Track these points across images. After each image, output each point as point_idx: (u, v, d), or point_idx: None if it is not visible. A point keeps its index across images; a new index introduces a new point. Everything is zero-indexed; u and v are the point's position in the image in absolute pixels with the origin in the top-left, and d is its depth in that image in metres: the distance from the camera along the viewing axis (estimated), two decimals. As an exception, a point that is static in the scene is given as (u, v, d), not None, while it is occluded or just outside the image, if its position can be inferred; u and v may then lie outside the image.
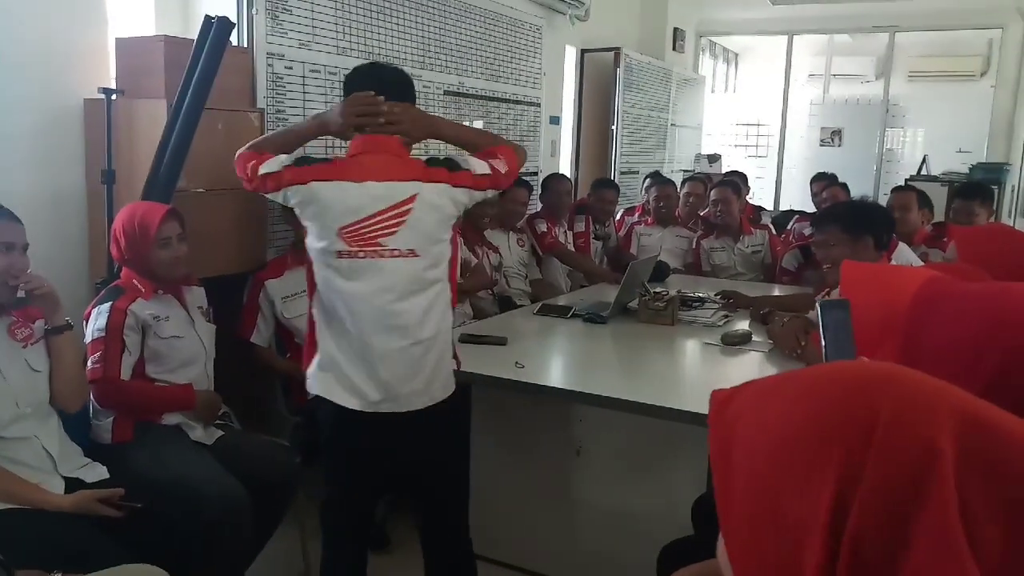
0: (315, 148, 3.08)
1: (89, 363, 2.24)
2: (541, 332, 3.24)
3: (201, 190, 2.77)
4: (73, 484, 2.03)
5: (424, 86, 4.00)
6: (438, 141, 2.27)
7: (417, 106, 2.08)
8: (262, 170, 1.98)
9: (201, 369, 2.44)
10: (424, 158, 2.05)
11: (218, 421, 2.47)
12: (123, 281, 2.36)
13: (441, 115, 4.12)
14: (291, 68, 3.24)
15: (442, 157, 2.05)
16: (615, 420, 2.55)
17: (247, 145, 2.12)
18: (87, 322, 2.31)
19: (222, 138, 2.84)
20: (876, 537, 0.53)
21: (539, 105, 5.09)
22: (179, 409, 2.36)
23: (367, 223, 1.90)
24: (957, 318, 0.93)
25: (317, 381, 1.99)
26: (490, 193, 2.09)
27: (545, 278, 4.42)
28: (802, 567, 0.56)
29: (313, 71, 3.34)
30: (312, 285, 2.01)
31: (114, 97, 2.64)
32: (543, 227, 4.39)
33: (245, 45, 3.05)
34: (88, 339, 2.28)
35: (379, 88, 2.01)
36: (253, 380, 2.96)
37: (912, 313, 0.97)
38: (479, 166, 2.03)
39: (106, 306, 2.27)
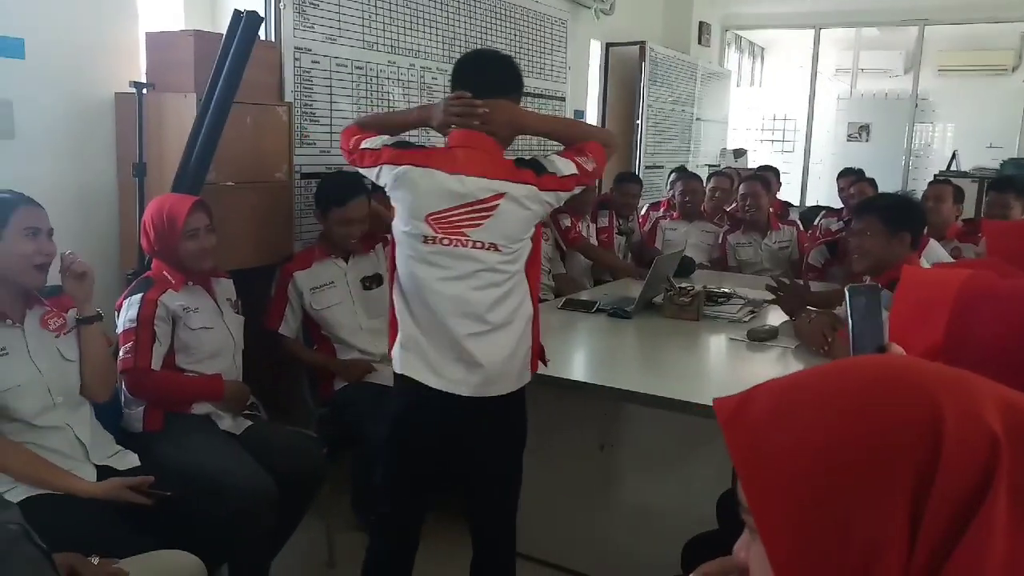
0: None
1: (120, 353, 2.27)
2: (565, 327, 3.23)
3: (230, 183, 2.79)
4: (104, 472, 2.07)
5: (449, 79, 3.99)
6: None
7: (510, 101, 2.07)
8: (364, 144, 2.07)
9: (230, 360, 2.47)
10: (513, 159, 2.07)
11: (246, 411, 2.50)
12: (154, 272, 2.39)
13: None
14: (318, 62, 3.25)
15: (528, 158, 2.07)
16: (639, 415, 2.55)
17: (354, 120, 2.25)
18: (118, 313, 2.34)
19: (251, 132, 2.87)
20: (948, 538, 0.53)
21: (564, 99, 5.08)
22: (208, 399, 2.39)
23: (455, 212, 1.95)
24: (1000, 316, 0.92)
25: (399, 360, 2.02)
26: (578, 190, 2.09)
27: (568, 273, 4.42)
28: None
29: (340, 65, 3.36)
30: (392, 267, 2.06)
31: (144, 91, 2.67)
32: (567, 222, 4.38)
33: (273, 39, 3.08)
34: (119, 329, 2.31)
35: (476, 82, 2.04)
36: (280, 372, 2.99)
37: (955, 309, 0.96)
38: (565, 166, 2.03)
39: (137, 297, 2.30)
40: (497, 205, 1.95)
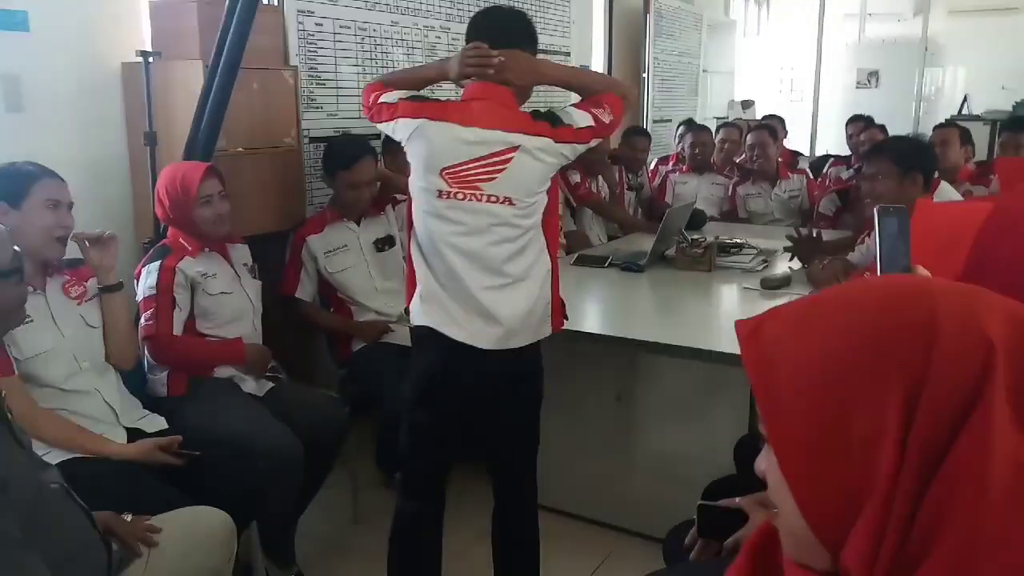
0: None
1: (142, 320, 2.31)
2: (579, 282, 3.25)
3: (240, 149, 2.80)
4: (134, 434, 2.11)
5: (453, 38, 3.97)
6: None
7: (525, 52, 2.05)
8: (382, 99, 2.06)
9: (250, 324, 2.50)
10: (530, 110, 2.05)
11: (268, 374, 2.53)
12: (170, 240, 2.41)
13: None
14: (321, 25, 3.24)
15: (545, 111, 2.05)
16: (655, 365, 2.58)
17: (376, 77, 2.25)
18: (137, 281, 2.37)
19: (258, 97, 2.87)
20: (938, 433, 0.56)
21: (569, 55, 5.03)
22: (230, 362, 2.42)
23: (469, 166, 1.94)
24: (1019, 246, 0.93)
25: (420, 312, 2.02)
26: (594, 143, 2.06)
27: (579, 229, 4.42)
28: (872, 479, 0.58)
29: (344, 27, 3.34)
30: (410, 223, 2.06)
31: (151, 60, 2.67)
32: (576, 178, 4.36)
33: (276, 3, 3.06)
34: (140, 297, 2.34)
35: (489, 33, 2.03)
36: (298, 335, 3.03)
37: (985, 230, 0.97)
38: (581, 118, 2.01)
39: (155, 264, 2.33)
40: (511, 158, 1.93)
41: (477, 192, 1.94)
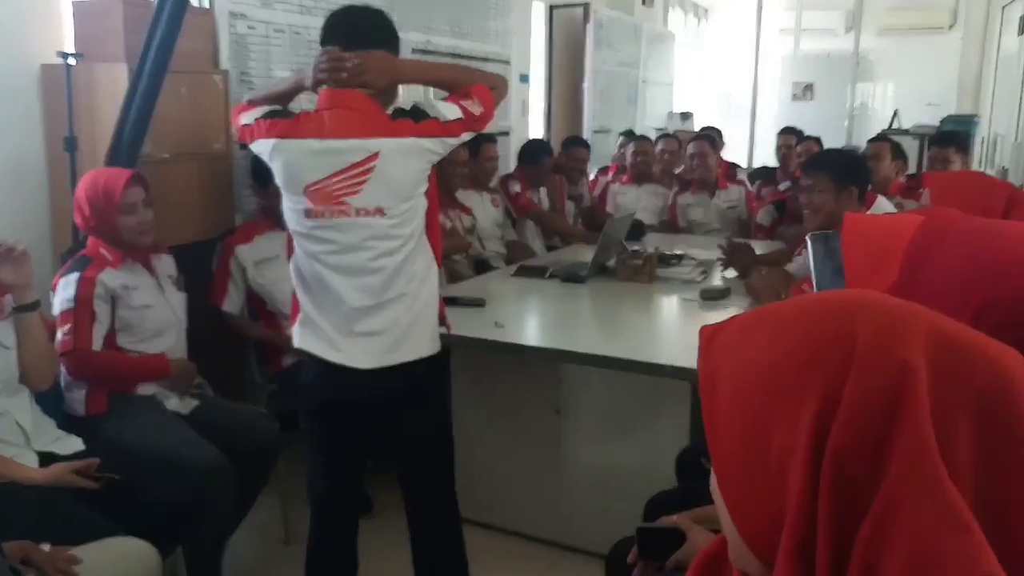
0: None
1: (59, 335, 2.19)
2: (519, 293, 3.22)
3: (166, 156, 2.70)
4: (47, 458, 2.00)
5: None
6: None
7: (384, 52, 1.94)
8: (241, 120, 1.97)
9: (174, 338, 2.40)
10: (390, 111, 1.97)
11: (193, 391, 2.43)
12: (90, 250, 2.30)
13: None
14: (254, 28, 3.15)
15: (407, 108, 1.96)
16: (596, 377, 2.55)
17: (245, 97, 2.12)
18: (54, 292, 2.25)
19: (186, 102, 2.77)
20: (857, 454, 0.56)
21: (508, 63, 5.02)
22: (154, 379, 2.32)
23: (330, 181, 1.85)
24: (949, 258, 0.95)
25: (299, 336, 1.97)
26: (466, 137, 1.97)
27: (520, 239, 4.39)
28: (787, 490, 0.58)
29: (277, 31, 3.26)
30: (289, 246, 1.98)
31: (72, 61, 2.55)
32: (516, 188, 4.35)
33: (206, 5, 2.96)
34: (56, 310, 2.22)
35: (345, 35, 1.92)
36: (226, 349, 2.92)
37: (916, 242, 0.98)
38: (449, 110, 1.92)
39: (74, 276, 2.22)
40: (373, 167, 1.84)
41: (345, 207, 1.85)
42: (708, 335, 0.68)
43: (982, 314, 0.87)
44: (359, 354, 1.90)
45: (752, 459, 0.61)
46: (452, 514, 2.15)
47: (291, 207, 1.91)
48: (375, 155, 1.84)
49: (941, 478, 0.53)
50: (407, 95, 2.48)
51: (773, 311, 0.66)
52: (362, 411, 1.98)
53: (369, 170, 1.84)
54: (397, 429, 2.07)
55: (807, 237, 1.18)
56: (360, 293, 1.89)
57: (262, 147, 1.92)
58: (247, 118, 1.96)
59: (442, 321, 2.08)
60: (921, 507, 0.53)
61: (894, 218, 1.29)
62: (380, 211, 1.86)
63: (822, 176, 2.74)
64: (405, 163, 1.88)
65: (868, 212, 2.84)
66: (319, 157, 1.85)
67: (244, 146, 2.11)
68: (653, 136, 5.86)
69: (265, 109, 1.97)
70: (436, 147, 1.92)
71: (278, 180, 1.93)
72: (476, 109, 1.94)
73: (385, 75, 1.92)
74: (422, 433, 2.09)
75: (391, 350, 1.91)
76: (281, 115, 1.95)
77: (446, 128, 1.91)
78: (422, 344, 1.97)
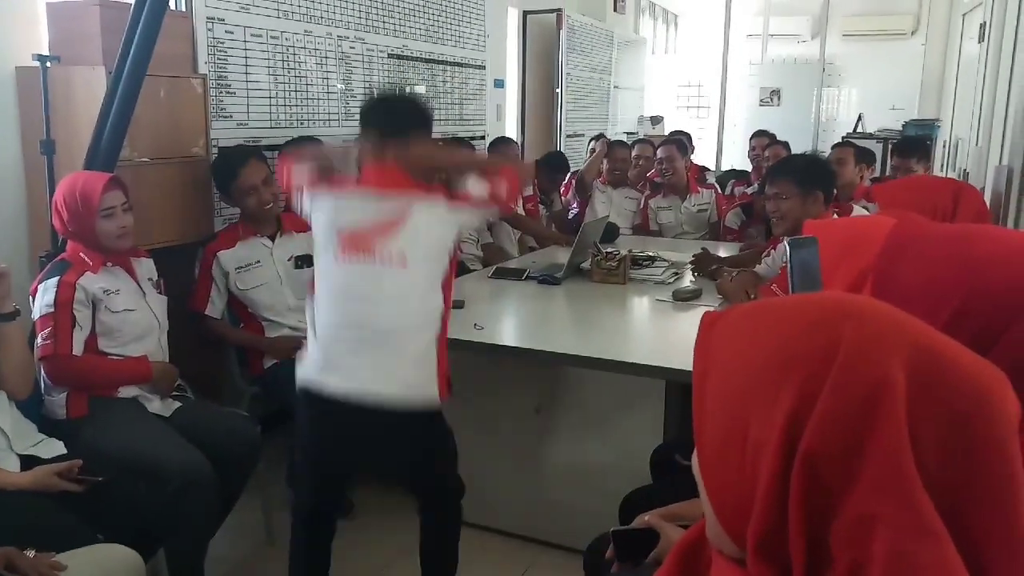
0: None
1: (38, 340, 2.19)
2: (496, 295, 3.26)
3: (145, 159, 2.70)
4: (29, 462, 2.00)
5: (368, 49, 3.94)
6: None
7: (420, 139, 2.08)
8: (291, 174, 2.10)
9: (155, 341, 2.40)
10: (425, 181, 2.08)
11: (175, 393, 2.44)
12: (69, 254, 2.29)
13: (385, 79, 4.08)
14: (232, 32, 3.16)
15: (441, 179, 2.09)
16: (573, 377, 2.60)
17: (290, 149, 2.29)
18: (33, 298, 2.25)
19: (164, 106, 2.78)
20: (829, 457, 0.58)
21: (484, 68, 5.06)
22: (135, 382, 2.32)
23: (364, 229, 1.95)
24: (924, 260, 0.97)
25: (302, 364, 2.02)
26: (490, 215, 2.10)
27: (495, 242, 4.44)
28: (758, 482, 0.60)
29: (255, 35, 3.27)
30: (311, 285, 2.06)
31: (49, 64, 2.54)
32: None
33: (184, 9, 2.97)
34: (36, 315, 2.22)
35: (385, 122, 2.06)
36: (207, 352, 2.93)
37: (885, 253, 1.01)
38: (478, 187, 2.04)
39: (53, 281, 2.21)
40: (406, 220, 1.95)
41: (371, 253, 1.94)
42: (709, 321, 0.70)
43: (960, 315, 0.89)
44: (352, 386, 1.92)
45: (730, 446, 0.63)
46: (455, 520, 2.21)
47: (321, 252, 2.01)
48: (409, 211, 1.96)
49: (915, 490, 0.55)
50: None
51: (774, 305, 0.68)
52: (355, 446, 2.04)
53: (401, 223, 1.95)
54: (391, 460, 2.15)
55: (786, 241, 1.21)
56: (369, 329, 1.94)
57: (306, 200, 2.05)
58: (297, 177, 2.08)
59: (444, 385, 2.02)
60: (897, 516, 0.55)
61: (867, 222, 1.34)
62: (403, 261, 1.94)
63: (787, 182, 2.81)
64: (433, 225, 1.99)
65: (830, 214, 2.92)
66: (358, 206, 1.98)
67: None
68: (625, 140, 5.95)
69: (314, 166, 2.08)
70: (463, 218, 2.05)
71: (314, 229, 2.04)
72: (502, 189, 2.06)
73: (423, 166, 2.09)
74: (418, 460, 2.13)
75: (381, 390, 1.92)
76: (329, 173, 2.08)
77: (473, 202, 2.04)
78: (412, 392, 1.96)
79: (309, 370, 1.99)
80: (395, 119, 2.07)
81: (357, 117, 3.74)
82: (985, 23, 5.23)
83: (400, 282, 1.95)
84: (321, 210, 2.02)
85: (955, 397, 0.58)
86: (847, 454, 0.57)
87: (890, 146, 6.83)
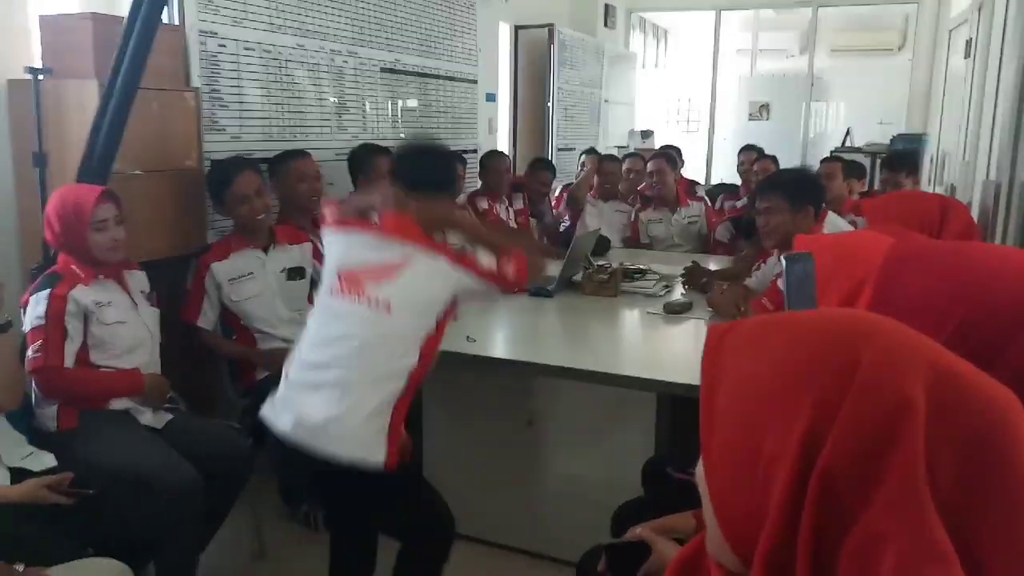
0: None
1: (29, 352, 2.18)
2: (488, 308, 3.26)
3: (138, 172, 2.70)
4: (18, 475, 1.99)
5: (360, 63, 3.96)
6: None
7: (443, 197, 2.12)
8: (327, 215, 2.10)
9: (147, 354, 2.39)
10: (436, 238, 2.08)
11: (167, 405, 2.43)
12: (61, 267, 2.29)
13: (378, 93, 4.10)
14: (224, 46, 3.17)
15: (454, 243, 2.08)
16: (565, 389, 2.60)
17: (336, 199, 2.35)
18: (24, 310, 2.24)
19: (157, 119, 2.78)
20: (847, 475, 0.58)
21: (475, 82, 5.09)
22: (127, 394, 2.31)
23: (363, 269, 1.94)
24: (925, 277, 0.98)
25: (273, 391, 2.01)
26: (492, 290, 2.01)
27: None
28: (770, 497, 0.60)
29: (247, 49, 3.28)
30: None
31: (41, 77, 2.55)
32: (484, 205, 4.41)
33: (176, 23, 2.98)
34: (27, 327, 2.21)
35: (412, 179, 2.06)
36: (198, 365, 2.92)
37: (884, 269, 1.02)
38: (485, 259, 2.02)
39: (44, 293, 2.21)
40: (403, 268, 1.92)
41: (362, 293, 1.91)
42: (719, 333, 0.69)
43: (963, 331, 0.90)
44: (296, 423, 1.88)
45: (742, 458, 0.63)
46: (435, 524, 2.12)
47: (322, 289, 2.01)
48: (409, 259, 1.92)
49: (927, 512, 0.56)
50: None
51: (787, 320, 0.68)
52: (309, 480, 2.02)
53: (397, 270, 1.92)
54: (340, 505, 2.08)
55: (782, 257, 1.22)
56: (328, 369, 1.89)
57: (327, 235, 2.06)
58: (328, 214, 2.09)
59: (394, 452, 1.90)
60: (906, 539, 0.55)
61: (857, 238, 1.36)
62: (388, 308, 1.89)
63: (776, 197, 2.82)
64: (430, 278, 1.93)
65: (824, 229, 2.95)
66: (363, 248, 1.97)
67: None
68: (616, 154, 5.98)
69: (347, 208, 2.09)
70: (462, 278, 1.96)
71: (324, 266, 2.05)
72: (509, 269, 2.02)
73: (442, 226, 2.10)
74: (362, 511, 2.06)
75: (321, 434, 1.86)
76: (349, 215, 2.08)
77: (478, 269, 1.98)
78: (352, 447, 1.86)
79: (268, 402, 1.97)
80: (423, 175, 2.08)
81: (349, 131, 3.82)
82: (971, 39, 5.29)
83: (378, 328, 1.89)
84: (332, 247, 2.03)
85: (972, 419, 0.58)
86: (864, 473, 0.57)
87: (878, 160, 6.91)
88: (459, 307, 2.01)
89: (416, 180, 2.05)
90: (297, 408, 1.89)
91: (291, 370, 1.97)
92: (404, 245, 1.93)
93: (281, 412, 1.92)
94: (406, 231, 1.96)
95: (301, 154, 3.21)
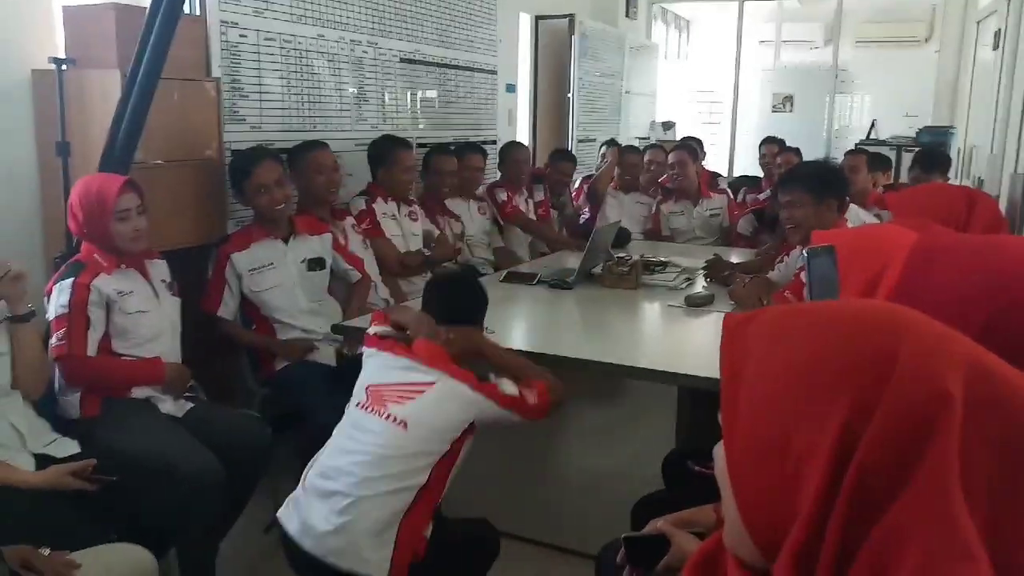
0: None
1: (53, 340, 2.20)
2: (508, 299, 3.25)
3: (159, 162, 2.72)
4: (43, 461, 2.01)
5: (380, 53, 3.96)
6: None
7: (473, 326, 2.19)
8: (369, 331, 2.15)
9: (168, 343, 2.41)
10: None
11: (187, 394, 2.45)
12: (84, 256, 2.31)
13: (398, 84, 4.09)
14: (245, 36, 3.18)
15: (478, 371, 2.08)
16: (584, 382, 2.59)
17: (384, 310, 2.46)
18: (48, 298, 2.26)
19: (178, 109, 2.79)
20: (881, 469, 0.57)
21: (495, 73, 5.07)
22: (148, 383, 2.33)
23: (389, 387, 1.98)
24: (952, 270, 0.97)
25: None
26: (514, 417, 2.02)
27: (507, 246, 4.44)
28: (800, 491, 0.59)
29: (268, 39, 3.29)
30: None
31: (64, 67, 2.56)
32: (503, 196, 4.40)
33: (198, 13, 2.99)
34: (51, 316, 2.23)
35: (443, 309, 2.14)
36: (217, 354, 2.94)
37: (910, 262, 1.00)
38: (508, 387, 2.03)
39: (68, 282, 2.23)
40: (426, 391, 1.94)
41: (384, 410, 1.94)
42: (737, 323, 0.68)
43: (991, 326, 0.88)
44: (306, 529, 1.88)
45: (768, 452, 0.61)
46: None
47: (353, 402, 2.03)
48: (433, 383, 1.96)
49: (955, 507, 0.55)
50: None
51: (810, 309, 0.67)
52: None
53: (420, 393, 1.95)
54: None
55: (805, 251, 1.20)
56: (336, 478, 1.89)
57: (367, 351, 2.11)
58: (374, 329, 2.15)
59: (407, 566, 1.88)
60: (930, 534, 0.55)
61: (878, 232, 1.33)
62: (404, 424, 1.91)
63: (800, 190, 2.79)
64: (449, 402, 1.95)
65: (844, 222, 2.91)
66: (393, 367, 2.01)
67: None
68: (637, 145, 5.94)
69: (385, 329, 2.12)
70: (482, 405, 1.97)
71: (358, 381, 2.06)
72: (531, 398, 2.04)
73: (470, 353, 2.13)
74: None
75: (328, 543, 1.85)
76: (388, 335, 2.12)
77: (500, 398, 2.00)
78: (357, 559, 1.85)
79: (285, 503, 1.98)
80: (455, 309, 2.16)
81: (368, 121, 3.82)
82: (1000, 30, 5.20)
83: (392, 443, 1.89)
84: (369, 362, 2.08)
85: (1009, 417, 0.58)
86: (899, 467, 0.56)
87: (903, 153, 6.82)
88: (476, 432, 2.01)
89: (448, 311, 2.14)
90: (305, 513, 1.90)
91: (309, 474, 1.98)
92: (429, 370, 1.98)
93: (292, 515, 1.94)
94: (435, 358, 2.00)
95: (319, 145, 3.21)
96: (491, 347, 2.24)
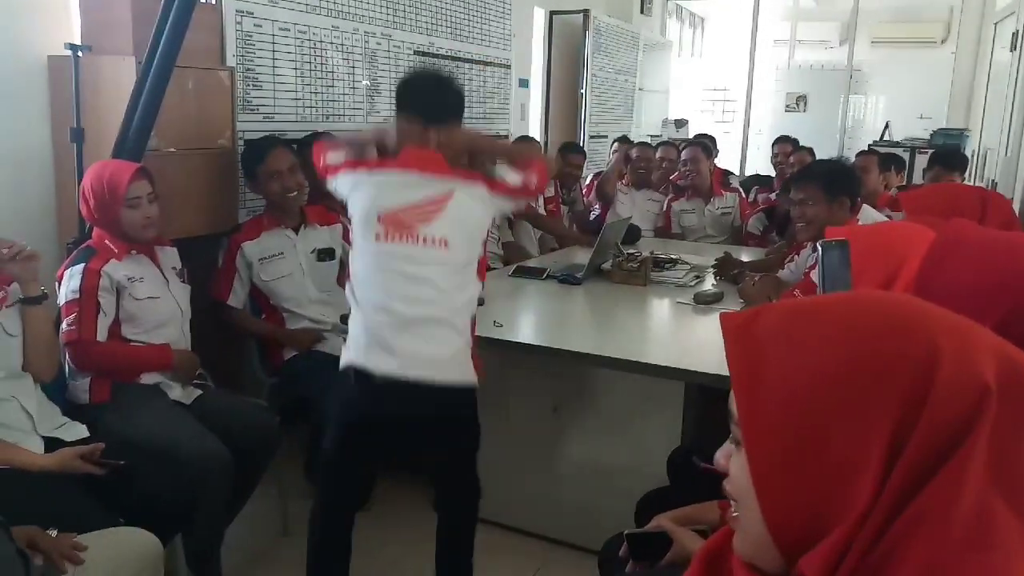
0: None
1: (64, 325, 2.21)
2: (516, 293, 3.26)
3: (172, 150, 2.73)
4: (52, 444, 2.02)
5: (395, 46, 3.96)
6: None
7: (458, 125, 2.16)
8: (328, 159, 2.14)
9: (178, 330, 2.42)
10: (464, 167, 2.16)
11: (196, 381, 2.46)
12: (95, 242, 2.32)
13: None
14: (260, 26, 3.18)
15: (479, 169, 2.17)
16: (592, 377, 2.59)
17: (324, 139, 2.37)
18: (59, 283, 2.27)
19: (192, 97, 2.80)
20: (925, 465, 0.56)
21: (508, 67, 5.06)
22: (157, 369, 2.34)
23: (406, 209, 1.99)
24: (971, 264, 0.96)
25: (344, 353, 2.04)
26: (521, 203, 2.18)
27: (516, 241, 4.44)
28: (847, 502, 0.57)
29: (283, 29, 3.29)
30: (349, 266, 2.10)
31: (80, 54, 2.57)
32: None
33: (214, 2, 2.99)
34: (62, 301, 2.24)
35: (426, 109, 2.09)
36: (226, 342, 2.95)
37: (930, 256, 1.00)
38: (513, 177, 2.12)
39: (79, 267, 2.24)
40: (447, 202, 2.00)
41: (414, 234, 1.98)
42: (739, 322, 0.65)
43: (1008, 322, 0.87)
44: (402, 363, 1.95)
45: (802, 460, 0.59)
46: (471, 496, 2.24)
47: (361, 233, 2.03)
48: (451, 193, 2.01)
49: (974, 496, 0.54)
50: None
51: (822, 306, 0.64)
52: (398, 429, 2.05)
53: (443, 205, 2.00)
54: (431, 446, 2.19)
55: (818, 244, 1.19)
56: (414, 307, 1.97)
57: (344, 180, 2.09)
58: (334, 158, 2.13)
59: (479, 365, 2.12)
60: (948, 521, 0.54)
61: (893, 229, 1.33)
62: (444, 243, 1.99)
63: (812, 188, 2.78)
64: (473, 207, 2.05)
65: (856, 221, 2.89)
66: (399, 187, 2.02)
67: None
68: (649, 142, 5.93)
69: (351, 151, 2.14)
70: (499, 203, 2.14)
71: (353, 211, 2.06)
72: (533, 181, 2.14)
73: (464, 152, 2.22)
74: (455, 448, 2.18)
75: (430, 367, 1.97)
76: (367, 158, 2.14)
77: (510, 190, 2.12)
78: (458, 371, 2.04)
79: (354, 351, 2.01)
80: (437, 107, 2.11)
81: (381, 114, 3.82)
82: (1018, 31, 5.16)
83: (443, 265, 2.00)
84: (361, 191, 2.05)
85: None
86: (940, 461, 0.56)
87: (916, 155, 6.78)
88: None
89: (433, 112, 2.09)
90: (390, 348, 1.95)
91: (367, 316, 2.00)
92: (442, 181, 2.01)
93: (374, 356, 1.96)
94: (439, 167, 2.04)
95: (325, 136, 3.21)
96: (481, 139, 2.36)
